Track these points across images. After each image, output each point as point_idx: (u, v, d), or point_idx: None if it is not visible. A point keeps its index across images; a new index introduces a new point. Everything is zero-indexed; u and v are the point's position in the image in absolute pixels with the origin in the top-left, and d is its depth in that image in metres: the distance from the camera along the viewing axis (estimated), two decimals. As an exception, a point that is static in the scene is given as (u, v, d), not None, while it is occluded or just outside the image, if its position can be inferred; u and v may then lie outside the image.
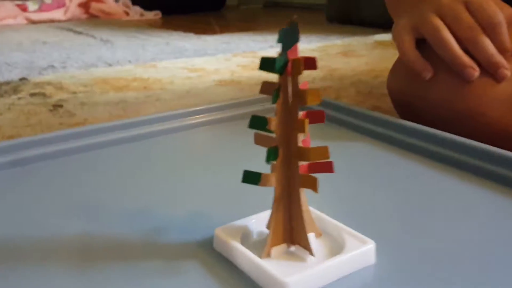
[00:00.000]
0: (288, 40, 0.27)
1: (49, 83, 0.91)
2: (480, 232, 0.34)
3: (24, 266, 0.30)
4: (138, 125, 0.53)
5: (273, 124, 0.28)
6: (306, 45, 1.31)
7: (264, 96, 0.64)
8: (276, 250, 0.30)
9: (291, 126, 0.28)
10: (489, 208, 0.38)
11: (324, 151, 0.28)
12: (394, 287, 0.28)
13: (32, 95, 0.82)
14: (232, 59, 1.13)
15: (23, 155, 0.46)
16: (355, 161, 0.47)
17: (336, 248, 0.31)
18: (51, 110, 0.72)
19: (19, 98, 0.80)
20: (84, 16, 2.12)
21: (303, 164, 0.29)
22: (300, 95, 0.27)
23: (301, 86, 0.28)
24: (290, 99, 0.28)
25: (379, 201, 0.39)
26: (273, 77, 0.28)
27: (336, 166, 0.29)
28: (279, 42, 0.27)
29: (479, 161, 0.43)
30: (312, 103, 0.27)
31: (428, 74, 0.50)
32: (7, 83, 0.92)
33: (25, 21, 1.98)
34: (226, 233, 0.31)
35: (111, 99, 0.78)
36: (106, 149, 0.50)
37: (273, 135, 0.29)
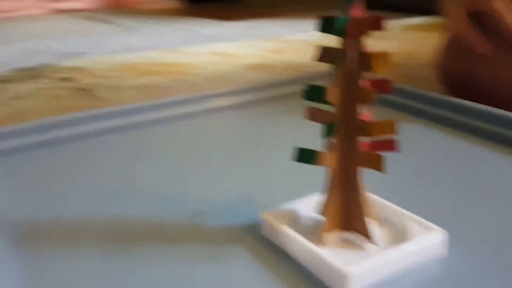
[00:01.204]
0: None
1: (74, 69, 0.89)
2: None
3: (61, 252, 0.28)
4: (169, 106, 0.50)
5: (332, 94, 0.25)
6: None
7: (309, 74, 0.61)
8: (330, 237, 0.27)
9: (352, 97, 0.25)
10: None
11: (390, 125, 0.24)
12: (469, 283, 0.25)
13: (61, 79, 0.80)
14: (260, 44, 1.10)
15: (52, 136, 0.44)
16: (409, 144, 0.43)
17: (399, 236, 0.27)
18: (78, 95, 0.70)
19: (46, 84, 0.78)
20: (105, 4, 2.11)
21: (362, 142, 0.26)
22: (364, 60, 0.24)
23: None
24: (352, 66, 0.25)
25: (443, 186, 0.35)
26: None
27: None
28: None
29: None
30: (380, 70, 0.24)
31: (486, 50, 0.46)
32: (32, 69, 0.91)
33: (45, 11, 1.98)
34: (274, 218, 0.28)
35: (139, 84, 0.76)
36: (137, 131, 0.47)
37: (331, 109, 0.26)
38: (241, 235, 0.29)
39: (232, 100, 0.54)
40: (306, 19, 1.50)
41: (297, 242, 0.26)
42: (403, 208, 0.29)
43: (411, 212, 0.28)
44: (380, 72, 0.24)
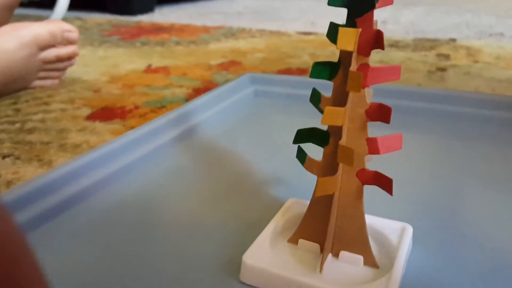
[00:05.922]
0: (358, 6, 0.21)
1: (467, 48, 0.88)
2: None
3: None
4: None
5: (324, 103, 0.23)
6: None
7: None
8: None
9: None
10: None
11: (347, 154, 0.21)
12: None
13: (437, 55, 0.83)
14: None
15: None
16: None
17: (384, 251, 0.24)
18: (429, 72, 0.72)
19: (419, 55, 0.83)
20: None
21: (364, 170, 0.23)
22: (350, 77, 0.22)
23: (386, 68, 0.21)
24: (344, 79, 0.22)
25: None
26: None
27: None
28: (341, 6, 0.22)
29: None
30: (351, 89, 0.21)
31: None
32: (435, 40, 0.95)
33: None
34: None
35: (501, 76, 0.69)
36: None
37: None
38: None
39: None
40: None
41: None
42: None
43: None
44: (353, 92, 0.21)
